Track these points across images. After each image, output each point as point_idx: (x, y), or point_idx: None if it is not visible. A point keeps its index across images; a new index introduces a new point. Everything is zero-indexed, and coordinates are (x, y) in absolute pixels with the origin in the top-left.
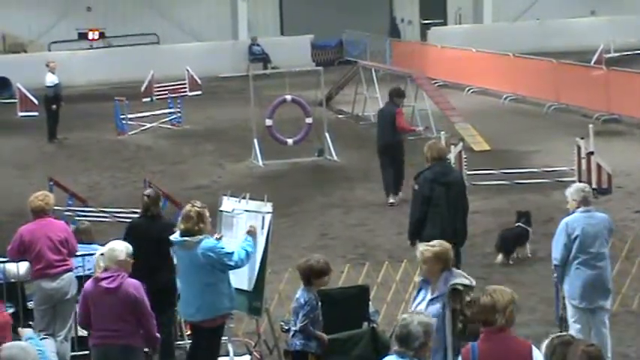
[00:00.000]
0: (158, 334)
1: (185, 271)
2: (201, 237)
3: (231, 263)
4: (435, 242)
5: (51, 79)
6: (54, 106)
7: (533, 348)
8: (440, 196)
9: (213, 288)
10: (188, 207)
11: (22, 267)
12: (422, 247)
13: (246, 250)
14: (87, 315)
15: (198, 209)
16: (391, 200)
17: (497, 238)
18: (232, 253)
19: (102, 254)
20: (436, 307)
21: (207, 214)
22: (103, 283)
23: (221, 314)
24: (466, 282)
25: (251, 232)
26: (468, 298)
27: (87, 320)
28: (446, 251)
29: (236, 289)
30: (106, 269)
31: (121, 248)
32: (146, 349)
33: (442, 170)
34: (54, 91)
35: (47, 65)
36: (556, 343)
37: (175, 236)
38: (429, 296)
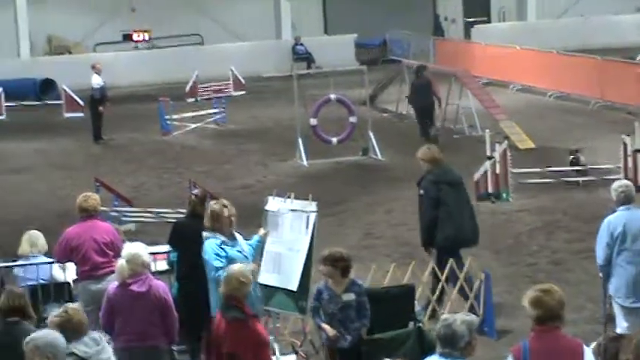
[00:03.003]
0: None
1: None
2: (207, 235)
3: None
4: None
5: (97, 81)
6: (100, 108)
7: (584, 346)
8: (447, 194)
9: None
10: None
11: (68, 268)
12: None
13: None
14: (112, 319)
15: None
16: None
17: None
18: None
19: (126, 261)
20: None
21: (226, 213)
22: (133, 288)
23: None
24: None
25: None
26: None
27: (111, 324)
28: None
29: (282, 289)
30: (132, 274)
31: (143, 251)
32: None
33: (443, 170)
34: (100, 92)
35: (93, 67)
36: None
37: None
38: None
